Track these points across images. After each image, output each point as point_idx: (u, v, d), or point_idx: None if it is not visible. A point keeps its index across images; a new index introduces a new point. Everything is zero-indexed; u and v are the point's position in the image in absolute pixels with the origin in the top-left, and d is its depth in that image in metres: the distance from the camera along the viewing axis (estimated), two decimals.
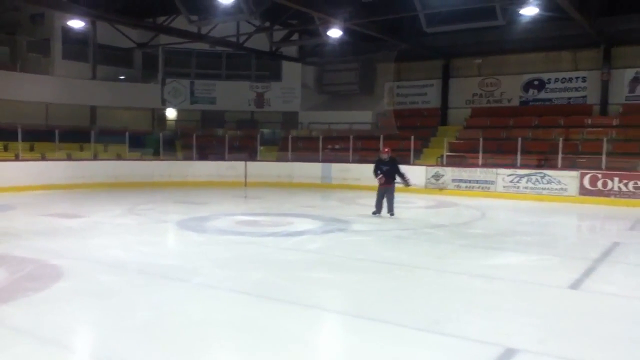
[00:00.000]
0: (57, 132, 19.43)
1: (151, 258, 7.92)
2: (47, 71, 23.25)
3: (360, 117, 24.86)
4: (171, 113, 27.34)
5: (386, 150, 12.70)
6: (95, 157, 20.54)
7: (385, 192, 12.38)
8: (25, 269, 7.06)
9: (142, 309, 5.47)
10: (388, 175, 12.31)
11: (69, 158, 20.08)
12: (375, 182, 12.62)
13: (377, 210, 12.46)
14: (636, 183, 15.82)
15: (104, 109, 25.03)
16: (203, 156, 22.35)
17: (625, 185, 15.96)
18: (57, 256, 7.72)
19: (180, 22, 19.13)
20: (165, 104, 26.12)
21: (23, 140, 18.66)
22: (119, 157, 21.22)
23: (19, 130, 18.37)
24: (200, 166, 21.49)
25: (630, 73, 20.43)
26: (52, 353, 4.44)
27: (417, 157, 20.40)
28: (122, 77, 26.03)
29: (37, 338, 4.69)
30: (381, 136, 20.54)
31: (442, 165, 19.29)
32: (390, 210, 12.26)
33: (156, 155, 22.06)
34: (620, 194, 16.00)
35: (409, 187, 12.65)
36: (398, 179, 12.40)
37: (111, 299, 5.80)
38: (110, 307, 5.51)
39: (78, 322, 5.20)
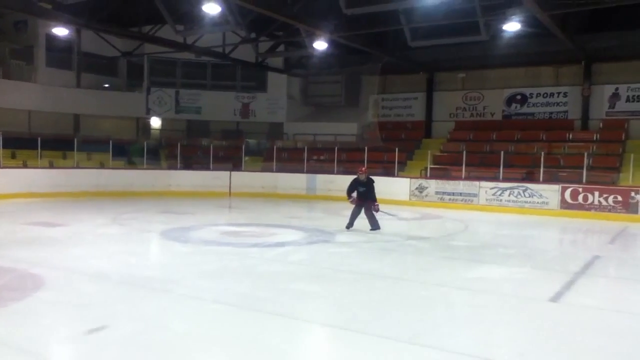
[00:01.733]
0: (39, 139, 19.25)
1: (134, 269, 7.86)
2: (30, 78, 23.06)
3: (345, 129, 24.98)
4: (156, 122, 27.23)
5: (363, 169, 12.42)
6: (78, 166, 20.36)
7: (364, 210, 12.15)
8: (4, 278, 6.98)
9: (123, 321, 5.42)
10: (363, 197, 12.11)
11: (52, 166, 19.88)
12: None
13: (350, 224, 12.20)
14: (616, 197, 16.07)
15: (87, 118, 24.86)
16: (188, 166, 22.29)
17: (605, 199, 16.20)
18: (38, 266, 7.63)
19: (166, 32, 19.12)
20: (150, 113, 26.02)
21: (4, 147, 18.44)
22: (102, 166, 21.05)
23: (0, 138, 18.16)
24: (184, 176, 21.39)
25: (610, 89, 20.81)
26: None
27: (401, 170, 20.55)
28: (106, 86, 25.91)
29: (15, 349, 4.63)
30: (366, 148, 20.64)
31: (426, 177, 19.43)
32: (374, 227, 12.05)
33: (132, 164, 21.93)
34: (600, 207, 16.24)
35: (376, 212, 12.15)
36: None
37: (92, 310, 5.74)
38: (91, 318, 5.45)
39: (57, 333, 5.14)
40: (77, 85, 24.39)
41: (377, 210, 12.09)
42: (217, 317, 5.68)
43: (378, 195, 12.29)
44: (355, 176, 12.51)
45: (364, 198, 12.10)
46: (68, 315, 5.58)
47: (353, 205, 12.34)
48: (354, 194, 12.25)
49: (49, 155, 20.29)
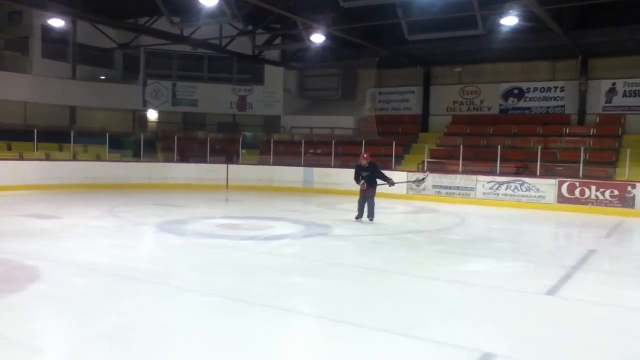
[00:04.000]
0: (35, 131, 19.19)
1: (127, 261, 7.84)
2: (25, 70, 22.92)
3: (342, 122, 24.95)
4: (152, 114, 27.15)
5: (365, 155, 12.77)
6: (74, 158, 20.30)
7: (366, 198, 12.50)
8: None
9: (114, 314, 5.40)
10: (368, 181, 12.43)
11: (47, 158, 19.82)
12: (356, 186, 12.74)
13: (359, 215, 12.60)
14: (612, 191, 16.09)
15: (83, 110, 24.78)
16: (184, 158, 22.23)
17: (602, 193, 16.22)
18: (31, 258, 7.61)
19: (162, 24, 19.03)
20: (146, 105, 25.94)
21: (0, 139, 18.36)
22: (98, 158, 21.01)
23: None
24: (180, 168, 21.34)
25: (606, 84, 20.80)
26: (20, 357, 4.37)
27: (398, 163, 20.54)
28: (102, 78, 25.79)
29: (7, 340, 4.61)
30: (363, 141, 20.62)
31: (423, 171, 19.41)
32: (370, 216, 12.41)
33: (136, 156, 21.89)
34: (597, 202, 16.25)
35: (393, 185, 12.85)
36: (380, 181, 12.58)
37: (84, 302, 5.71)
38: (83, 311, 5.43)
39: (49, 326, 5.12)
40: (72, 76, 24.28)
41: (393, 184, 12.81)
42: (207, 309, 5.65)
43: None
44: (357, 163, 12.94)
45: (369, 182, 12.47)
46: (60, 308, 5.55)
47: (359, 196, 12.72)
48: (362, 180, 12.59)
49: (45, 147, 20.23)
